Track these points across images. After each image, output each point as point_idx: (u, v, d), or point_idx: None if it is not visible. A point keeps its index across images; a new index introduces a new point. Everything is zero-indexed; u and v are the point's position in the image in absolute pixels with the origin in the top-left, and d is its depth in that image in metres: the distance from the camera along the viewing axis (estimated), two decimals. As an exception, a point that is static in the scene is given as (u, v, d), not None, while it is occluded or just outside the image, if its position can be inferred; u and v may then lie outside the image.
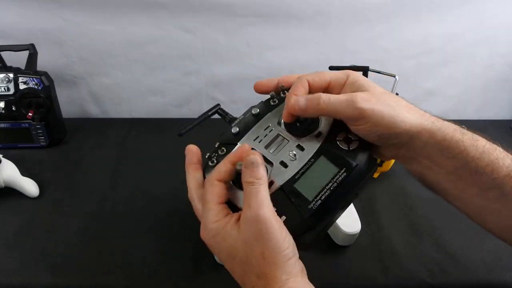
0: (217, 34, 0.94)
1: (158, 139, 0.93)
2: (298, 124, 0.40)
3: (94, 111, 1.04)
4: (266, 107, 0.43)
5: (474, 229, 0.65)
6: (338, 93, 0.39)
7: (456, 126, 0.37)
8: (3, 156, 0.71)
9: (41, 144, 0.87)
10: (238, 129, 0.42)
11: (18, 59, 0.83)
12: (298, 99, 0.38)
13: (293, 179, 0.37)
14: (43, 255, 0.59)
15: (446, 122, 0.37)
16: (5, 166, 0.71)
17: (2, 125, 0.84)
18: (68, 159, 0.85)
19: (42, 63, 0.86)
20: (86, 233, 0.64)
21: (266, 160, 0.38)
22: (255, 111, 0.42)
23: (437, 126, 0.36)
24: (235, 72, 0.99)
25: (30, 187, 0.71)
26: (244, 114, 0.44)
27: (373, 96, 0.36)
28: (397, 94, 0.71)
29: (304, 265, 0.35)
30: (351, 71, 0.40)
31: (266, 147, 0.40)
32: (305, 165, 0.38)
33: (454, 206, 0.41)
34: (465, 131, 0.36)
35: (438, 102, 1.05)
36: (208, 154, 0.42)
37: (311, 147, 0.39)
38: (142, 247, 0.61)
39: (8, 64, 0.84)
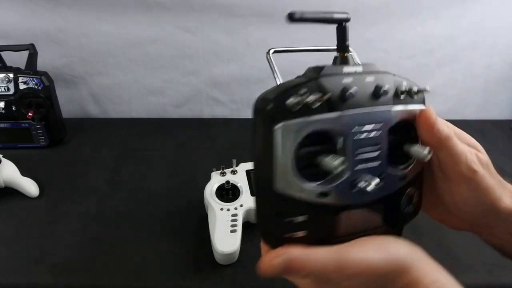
0: (217, 34, 0.94)
1: (158, 139, 0.93)
2: (400, 145, 0.32)
3: (94, 111, 1.05)
4: (394, 96, 0.31)
5: (474, 229, 0.65)
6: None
7: None
8: (3, 156, 0.71)
9: (41, 144, 0.87)
10: (353, 93, 0.28)
11: (18, 59, 0.83)
12: (438, 119, 0.32)
13: (345, 207, 0.31)
14: (43, 255, 0.59)
15: None
16: (5, 166, 0.71)
17: (2, 125, 0.84)
18: (68, 159, 0.85)
19: (42, 63, 0.86)
20: (86, 233, 0.63)
21: (341, 157, 0.29)
22: (384, 91, 0.29)
23: None
24: (235, 72, 0.99)
25: (30, 187, 0.71)
26: (363, 80, 0.30)
27: (486, 160, 0.33)
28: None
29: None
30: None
31: (358, 148, 0.30)
32: (367, 202, 0.31)
33: None
34: None
35: (438, 102, 1.05)
36: (290, 93, 0.27)
37: (388, 186, 0.31)
38: (142, 247, 0.61)
39: (8, 64, 0.84)
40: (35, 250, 0.60)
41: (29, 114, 0.82)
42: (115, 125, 0.99)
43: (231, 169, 0.67)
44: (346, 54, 0.31)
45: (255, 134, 0.29)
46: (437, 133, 0.31)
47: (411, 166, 0.32)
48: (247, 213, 0.61)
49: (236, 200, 0.62)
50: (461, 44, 0.98)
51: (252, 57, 0.96)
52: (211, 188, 0.64)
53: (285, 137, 0.27)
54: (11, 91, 0.82)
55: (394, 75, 0.31)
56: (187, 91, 1.02)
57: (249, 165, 0.69)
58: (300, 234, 0.29)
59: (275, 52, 0.33)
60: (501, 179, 0.34)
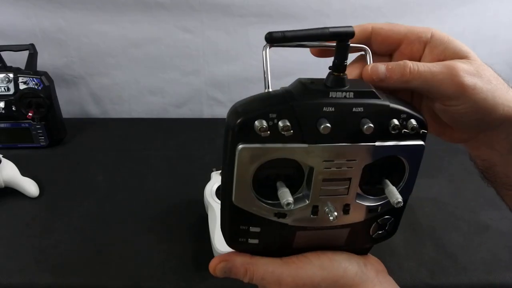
0: (217, 34, 0.94)
1: (158, 139, 0.93)
2: (376, 179, 0.30)
3: (94, 111, 1.05)
4: (380, 131, 0.27)
5: (474, 229, 0.65)
6: (417, 57, 0.31)
7: None
8: (3, 156, 0.71)
9: (41, 144, 0.87)
10: (329, 130, 0.26)
11: (18, 59, 0.83)
12: (377, 66, 0.30)
13: (304, 228, 0.31)
14: (43, 255, 0.59)
15: None
16: (5, 166, 0.71)
17: (2, 125, 0.84)
18: (68, 159, 0.85)
19: (42, 63, 0.86)
20: (86, 233, 0.63)
21: (301, 185, 0.29)
22: (368, 129, 0.26)
23: None
24: (235, 72, 0.99)
25: (30, 187, 0.71)
26: (350, 111, 0.26)
27: (475, 68, 0.29)
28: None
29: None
30: (433, 28, 0.31)
31: (324, 180, 0.28)
32: (329, 227, 0.31)
33: (509, 206, 0.37)
34: None
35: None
36: (260, 115, 0.25)
37: (355, 217, 0.31)
38: (142, 247, 0.61)
39: (8, 64, 0.84)
40: (35, 250, 0.60)
41: (29, 114, 0.82)
42: (115, 125, 0.99)
43: (231, 169, 0.67)
44: (342, 75, 0.27)
45: (224, 143, 0.28)
46: (390, 78, 0.29)
47: (383, 200, 0.31)
48: (247, 213, 0.61)
49: (236, 200, 0.62)
50: (461, 44, 0.98)
51: (252, 57, 0.96)
52: (211, 188, 0.64)
53: (246, 158, 0.27)
54: (11, 91, 0.82)
55: (391, 104, 0.27)
56: (187, 91, 1.02)
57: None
58: (253, 242, 0.31)
59: (272, 46, 0.28)
60: (499, 81, 0.30)
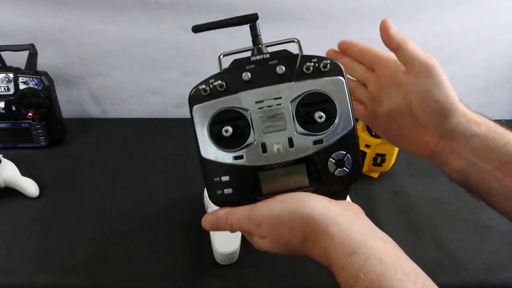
0: (217, 34, 0.94)
1: (158, 139, 0.93)
2: (309, 114, 0.36)
3: (94, 111, 1.04)
4: (296, 73, 0.36)
5: (474, 229, 0.65)
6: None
7: (496, 122, 0.38)
8: (3, 156, 0.71)
9: (41, 144, 0.87)
10: (250, 76, 0.36)
11: (18, 59, 0.83)
12: (391, 24, 0.41)
13: (262, 167, 0.36)
14: (43, 255, 0.59)
15: (486, 118, 0.38)
16: (5, 166, 0.71)
17: (2, 125, 0.84)
18: (68, 159, 0.85)
19: (42, 63, 0.86)
20: (86, 233, 0.63)
21: (249, 128, 0.36)
22: (281, 70, 0.36)
23: (481, 117, 0.37)
24: (235, 72, 0.99)
25: (30, 187, 0.71)
26: (267, 64, 0.37)
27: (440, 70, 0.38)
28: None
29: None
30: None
31: (261, 118, 0.36)
32: (282, 162, 0.36)
33: (498, 211, 0.39)
34: (505, 127, 0.37)
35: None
36: (203, 83, 0.37)
37: (302, 149, 0.36)
38: (142, 247, 0.61)
39: (8, 64, 0.84)
40: (35, 250, 0.60)
41: (29, 114, 0.82)
42: (115, 125, 0.99)
43: (231, 169, 0.67)
44: (260, 46, 0.40)
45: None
46: (393, 37, 0.40)
47: (326, 132, 0.36)
48: (247, 213, 0.61)
49: (236, 200, 0.62)
50: (461, 44, 0.98)
51: (252, 57, 0.96)
52: (211, 188, 0.64)
53: (199, 114, 0.37)
54: (11, 91, 0.82)
55: (302, 54, 0.37)
56: (187, 91, 1.01)
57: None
58: (228, 191, 0.36)
59: (225, 56, 0.41)
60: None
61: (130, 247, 0.61)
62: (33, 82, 0.82)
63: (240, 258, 0.57)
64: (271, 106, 0.36)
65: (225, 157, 0.36)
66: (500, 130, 0.36)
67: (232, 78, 0.36)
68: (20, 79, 0.81)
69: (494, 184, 0.37)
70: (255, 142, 0.36)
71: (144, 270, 0.57)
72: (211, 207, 0.61)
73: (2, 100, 0.82)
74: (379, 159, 0.75)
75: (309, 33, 0.96)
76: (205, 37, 0.94)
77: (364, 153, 0.75)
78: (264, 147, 0.36)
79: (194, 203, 0.67)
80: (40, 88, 0.82)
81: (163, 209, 0.69)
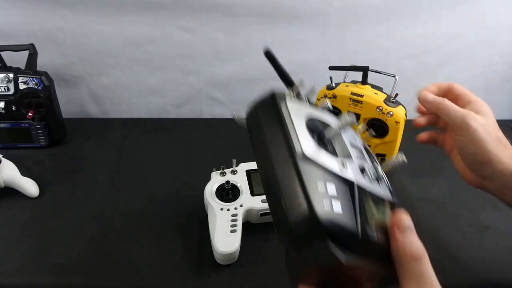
0: (217, 34, 0.94)
1: (158, 139, 0.93)
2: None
3: (94, 111, 1.05)
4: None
5: (474, 229, 0.65)
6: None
7: None
8: (3, 156, 0.71)
9: (41, 144, 0.87)
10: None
11: (18, 59, 0.83)
12: (427, 94, 0.49)
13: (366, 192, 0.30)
14: (43, 255, 0.59)
15: None
16: (5, 166, 0.71)
17: (2, 125, 0.84)
18: (68, 159, 0.85)
19: (42, 63, 0.86)
20: (86, 233, 0.63)
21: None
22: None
23: None
24: (235, 72, 0.99)
25: (30, 187, 0.71)
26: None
27: (484, 120, 0.45)
28: (397, 94, 0.71)
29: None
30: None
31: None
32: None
33: None
34: None
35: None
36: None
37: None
38: (142, 247, 0.61)
39: (8, 64, 0.84)
40: (35, 250, 0.60)
41: (29, 114, 0.82)
42: (115, 125, 0.99)
43: (231, 169, 0.67)
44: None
45: (262, 114, 0.34)
46: (430, 104, 0.48)
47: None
48: (247, 213, 0.61)
49: (236, 200, 0.62)
50: (461, 44, 0.98)
51: (252, 57, 0.96)
52: (211, 188, 0.64)
53: (294, 107, 0.33)
54: (11, 91, 0.82)
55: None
56: (187, 91, 1.02)
57: (249, 165, 0.69)
58: (337, 209, 0.26)
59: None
60: (504, 140, 0.45)
61: (130, 247, 0.61)
62: (33, 82, 0.82)
63: (240, 258, 0.57)
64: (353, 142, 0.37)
65: (330, 160, 0.28)
66: None
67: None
68: (20, 79, 0.81)
69: None
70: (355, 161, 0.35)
71: (144, 270, 0.57)
72: (211, 207, 0.61)
73: (2, 100, 0.82)
74: (379, 159, 0.75)
75: (309, 33, 0.96)
76: (205, 37, 0.95)
77: (364, 153, 0.74)
78: (363, 169, 0.35)
79: (194, 203, 0.67)
80: (40, 88, 0.82)
81: (163, 209, 0.69)
